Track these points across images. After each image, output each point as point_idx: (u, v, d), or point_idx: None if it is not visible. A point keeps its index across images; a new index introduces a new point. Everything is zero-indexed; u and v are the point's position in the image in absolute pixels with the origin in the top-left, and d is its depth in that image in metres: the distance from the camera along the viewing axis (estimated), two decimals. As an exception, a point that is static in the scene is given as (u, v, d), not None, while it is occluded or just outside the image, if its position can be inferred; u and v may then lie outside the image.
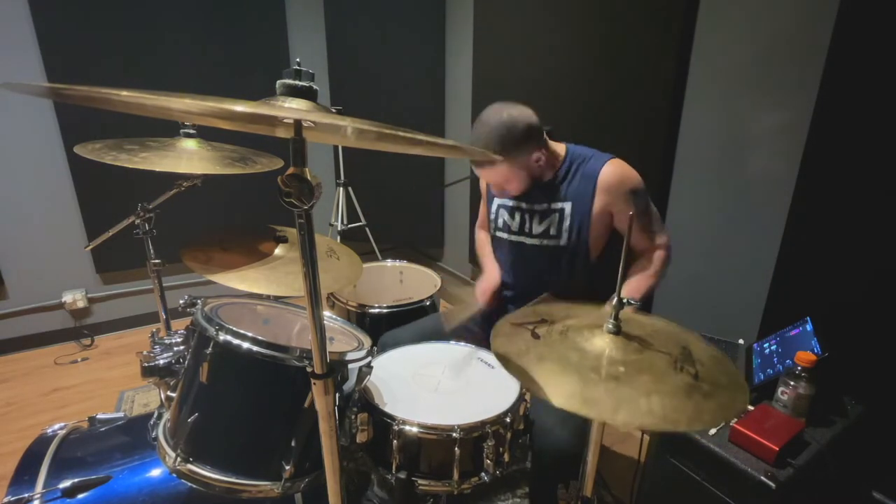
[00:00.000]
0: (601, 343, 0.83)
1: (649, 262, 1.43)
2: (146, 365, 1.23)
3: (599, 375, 0.76)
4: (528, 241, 1.49)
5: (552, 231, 1.44)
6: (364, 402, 1.15)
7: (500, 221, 1.55)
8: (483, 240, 1.74)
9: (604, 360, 0.80)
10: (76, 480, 1.08)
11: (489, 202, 1.60)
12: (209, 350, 1.03)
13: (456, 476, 1.10)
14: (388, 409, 1.13)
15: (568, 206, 1.41)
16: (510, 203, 1.51)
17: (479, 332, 1.53)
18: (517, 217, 1.50)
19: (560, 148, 1.44)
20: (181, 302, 1.21)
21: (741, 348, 1.50)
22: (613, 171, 1.38)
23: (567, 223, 1.42)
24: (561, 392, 0.73)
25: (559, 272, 1.46)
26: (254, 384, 1.07)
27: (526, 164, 1.36)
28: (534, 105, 1.34)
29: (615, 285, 0.84)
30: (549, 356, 0.81)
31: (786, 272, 1.58)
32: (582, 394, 0.72)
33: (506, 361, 0.82)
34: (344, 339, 1.33)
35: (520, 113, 1.31)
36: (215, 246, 1.28)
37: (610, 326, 0.84)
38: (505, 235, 1.54)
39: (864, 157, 1.36)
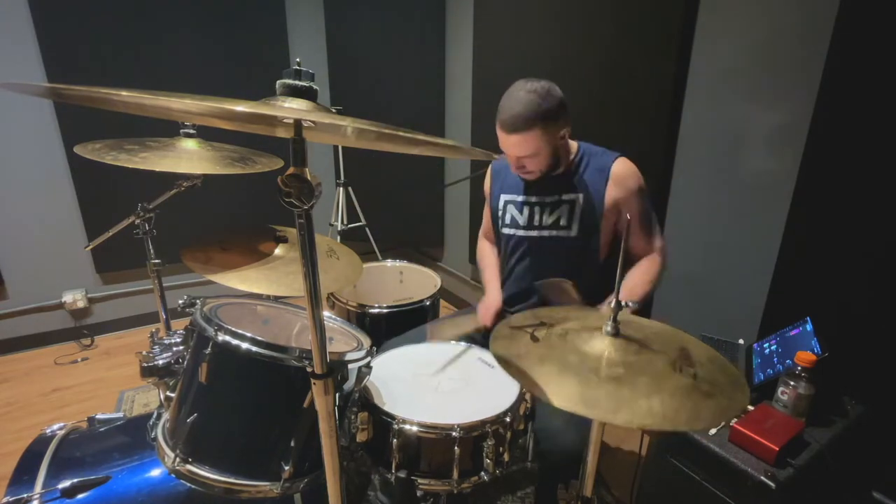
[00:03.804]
0: (600, 345, 0.83)
1: (647, 265, 1.43)
2: (145, 365, 1.23)
3: (599, 377, 0.76)
4: (537, 233, 1.47)
5: (562, 222, 1.43)
6: (364, 401, 1.15)
7: (508, 217, 1.53)
8: (485, 251, 1.71)
9: (603, 362, 0.80)
10: (75, 481, 1.08)
11: (494, 199, 1.58)
12: (208, 350, 1.03)
13: (456, 475, 1.10)
14: (387, 408, 1.13)
15: (581, 198, 1.41)
16: (519, 198, 1.50)
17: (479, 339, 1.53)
18: (526, 211, 1.49)
19: (573, 143, 1.46)
20: (180, 302, 1.21)
21: (741, 348, 1.50)
22: (626, 166, 1.41)
23: (579, 214, 1.41)
24: (561, 393, 0.73)
25: (565, 266, 1.42)
26: (253, 384, 1.07)
27: (554, 138, 1.34)
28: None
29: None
30: (549, 358, 0.82)
31: (786, 272, 1.58)
32: (582, 395, 0.73)
33: (506, 364, 0.82)
34: (343, 339, 1.32)
35: (552, 86, 1.32)
36: (215, 246, 1.27)
37: (609, 329, 0.84)
38: (512, 231, 1.53)
39: (864, 156, 1.36)
